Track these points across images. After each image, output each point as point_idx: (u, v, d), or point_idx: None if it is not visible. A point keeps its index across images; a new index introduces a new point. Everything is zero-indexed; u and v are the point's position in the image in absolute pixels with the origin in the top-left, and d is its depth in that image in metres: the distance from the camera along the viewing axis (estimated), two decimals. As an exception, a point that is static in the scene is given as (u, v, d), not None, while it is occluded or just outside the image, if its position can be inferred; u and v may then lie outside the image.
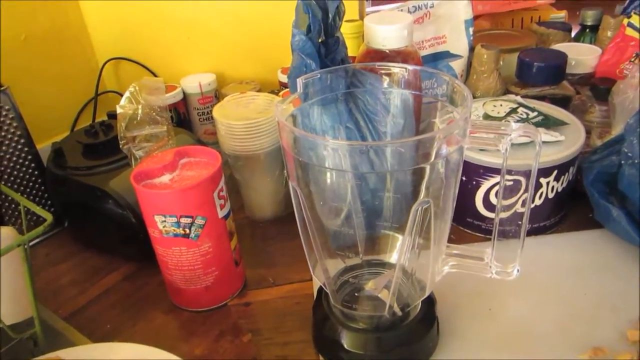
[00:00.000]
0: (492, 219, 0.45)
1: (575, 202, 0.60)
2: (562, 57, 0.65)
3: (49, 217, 0.43)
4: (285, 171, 0.61)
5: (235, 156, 0.60)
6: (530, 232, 0.58)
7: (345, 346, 0.43)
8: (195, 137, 0.67)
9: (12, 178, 0.62)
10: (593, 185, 0.56)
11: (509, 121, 0.58)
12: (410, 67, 0.43)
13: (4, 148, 0.60)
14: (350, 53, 0.60)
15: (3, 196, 0.60)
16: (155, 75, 0.83)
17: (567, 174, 0.55)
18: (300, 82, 0.42)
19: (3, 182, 0.61)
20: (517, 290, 0.50)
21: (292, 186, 0.40)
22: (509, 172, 0.38)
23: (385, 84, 0.45)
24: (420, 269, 0.43)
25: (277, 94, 0.70)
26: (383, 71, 0.45)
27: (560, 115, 0.60)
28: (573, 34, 0.84)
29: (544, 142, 0.54)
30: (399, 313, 0.42)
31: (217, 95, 0.78)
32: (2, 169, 0.61)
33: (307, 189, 0.40)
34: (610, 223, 0.54)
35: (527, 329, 0.47)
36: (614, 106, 0.61)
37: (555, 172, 0.54)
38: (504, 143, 0.36)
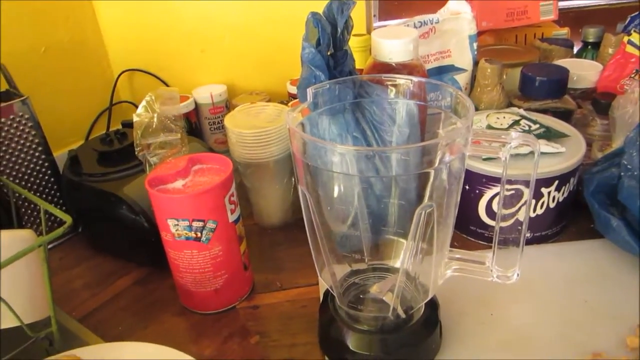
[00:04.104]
0: (494, 227, 0.46)
1: (577, 212, 0.61)
2: (564, 72, 0.67)
3: (68, 219, 0.45)
4: (294, 177, 0.63)
5: (245, 163, 0.62)
6: (532, 241, 0.59)
7: (351, 347, 0.44)
8: (207, 145, 0.69)
9: (29, 184, 0.64)
10: (593, 196, 0.57)
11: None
12: (415, 79, 0.45)
13: (22, 155, 0.63)
14: (357, 66, 0.62)
15: (20, 201, 0.63)
16: (168, 86, 0.85)
17: (567, 184, 0.57)
18: (310, 91, 0.43)
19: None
20: (519, 297, 0.51)
21: (301, 191, 0.42)
22: (510, 182, 0.39)
23: (391, 95, 0.47)
24: (423, 274, 0.45)
25: (286, 104, 0.72)
26: (389, 82, 0.46)
27: (561, 128, 0.61)
28: (575, 51, 0.86)
29: (545, 154, 0.56)
30: (403, 315, 0.44)
31: (228, 106, 0.80)
32: (20, 175, 0.63)
33: (316, 193, 0.41)
34: (611, 233, 0.55)
35: (528, 334, 0.48)
36: (614, 120, 0.62)
37: (556, 182, 0.56)
38: (504, 151, 0.37)
